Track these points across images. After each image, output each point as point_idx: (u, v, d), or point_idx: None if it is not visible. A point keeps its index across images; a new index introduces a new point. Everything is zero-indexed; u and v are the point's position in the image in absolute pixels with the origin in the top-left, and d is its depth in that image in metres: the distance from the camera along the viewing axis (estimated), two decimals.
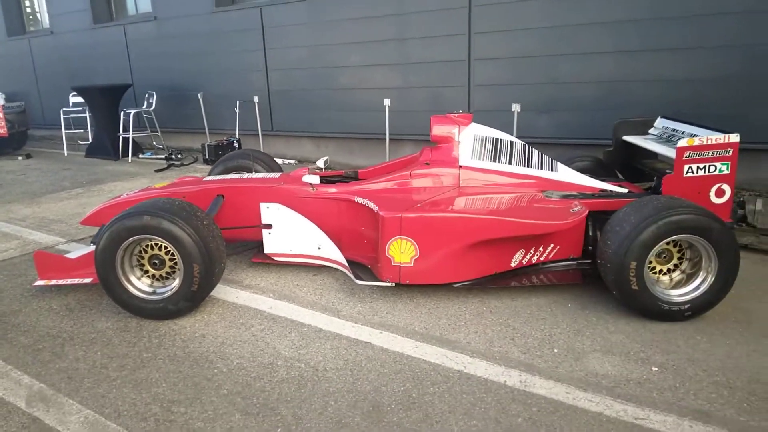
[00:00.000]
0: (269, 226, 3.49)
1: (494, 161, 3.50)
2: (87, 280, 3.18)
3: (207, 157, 7.47)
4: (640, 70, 5.14)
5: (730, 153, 3.05)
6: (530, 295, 3.19)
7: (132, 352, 2.65)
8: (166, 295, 2.89)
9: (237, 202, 3.58)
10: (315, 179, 3.50)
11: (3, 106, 9.17)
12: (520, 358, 2.53)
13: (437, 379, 2.38)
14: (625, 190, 3.48)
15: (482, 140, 3.52)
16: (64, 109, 9.22)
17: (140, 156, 8.50)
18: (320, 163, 3.92)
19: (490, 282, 3.17)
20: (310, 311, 3.05)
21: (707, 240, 2.70)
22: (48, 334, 2.84)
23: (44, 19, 11.24)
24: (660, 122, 3.93)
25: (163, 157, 8.15)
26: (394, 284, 3.13)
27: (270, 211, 3.46)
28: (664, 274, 2.93)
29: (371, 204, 3.21)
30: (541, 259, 3.22)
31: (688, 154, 3.07)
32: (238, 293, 3.31)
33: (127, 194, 3.77)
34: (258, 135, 7.63)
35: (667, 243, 2.81)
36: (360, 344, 2.68)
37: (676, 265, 2.92)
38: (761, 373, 2.37)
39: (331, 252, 3.39)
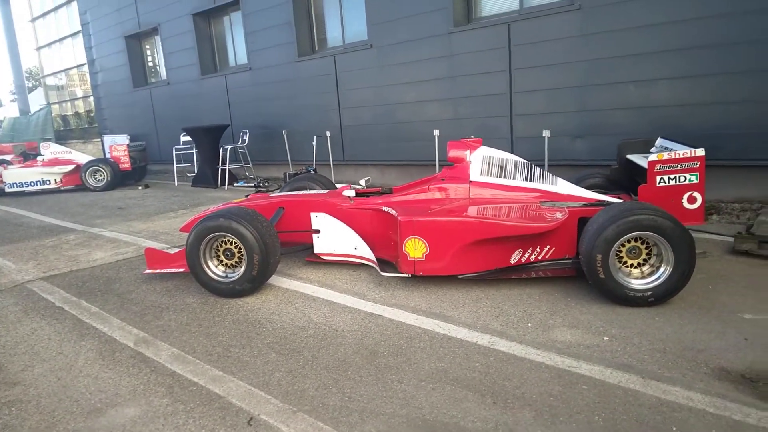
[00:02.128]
0: (317, 231, 4.37)
1: (500, 177, 4.17)
2: (181, 270, 4.22)
3: (287, 182, 8.61)
4: (663, 97, 5.59)
5: (698, 165, 3.54)
6: (525, 287, 3.79)
7: (208, 316, 3.59)
8: (235, 278, 3.83)
9: (294, 212, 4.50)
10: (352, 193, 4.35)
11: (128, 145, 11.01)
12: (497, 328, 3.17)
13: (425, 338, 3.09)
14: (619, 201, 4.00)
15: (489, 160, 4.20)
16: (176, 146, 10.90)
17: (235, 185, 9.86)
18: (362, 182, 4.77)
19: (491, 275, 3.81)
20: (342, 295, 3.86)
21: (662, 237, 3.21)
22: (151, 305, 3.87)
23: (162, 72, 13.26)
24: (659, 141, 4.41)
25: (252, 185, 9.44)
26: (410, 276, 3.87)
27: (318, 219, 4.35)
28: (636, 267, 3.43)
29: (393, 212, 4.00)
30: (539, 258, 3.82)
31: (658, 167, 3.59)
32: (291, 282, 4.19)
33: (213, 208, 4.82)
34: (330, 165, 8.67)
35: (636, 241, 3.35)
36: (374, 316, 3.45)
37: (645, 260, 3.42)
38: (697, 343, 2.84)
39: (364, 251, 4.20)
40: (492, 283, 3.87)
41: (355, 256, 4.30)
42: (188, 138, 10.73)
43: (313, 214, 4.36)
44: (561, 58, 6.26)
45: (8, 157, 13.12)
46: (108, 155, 11.31)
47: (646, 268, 3.42)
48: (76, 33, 16.53)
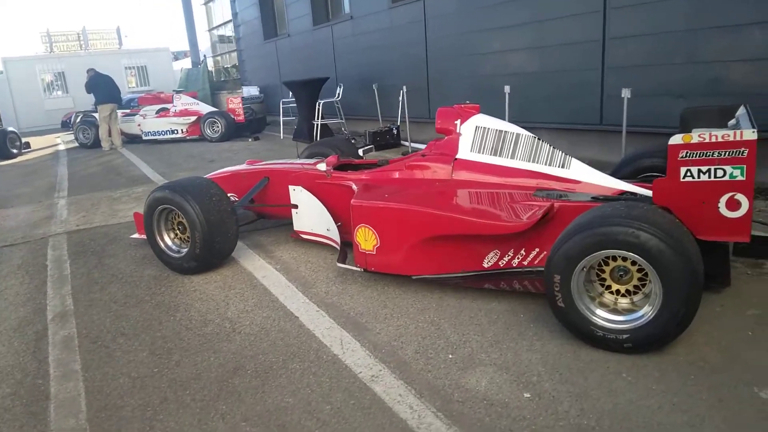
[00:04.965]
0: (296, 206, 3.93)
1: (495, 155, 3.28)
2: None
3: (367, 142, 8.16)
4: None
5: (746, 154, 2.33)
6: (494, 299, 2.98)
7: (141, 294, 3.43)
8: (183, 254, 3.60)
9: (277, 184, 4.10)
10: (323, 167, 3.79)
11: (243, 98, 11.43)
12: (405, 356, 2.49)
13: (309, 357, 2.54)
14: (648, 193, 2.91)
15: (483, 132, 3.32)
16: (283, 99, 11.03)
17: None
18: (360, 152, 4.18)
19: (458, 280, 3.06)
20: (288, 284, 3.41)
21: (646, 260, 2.21)
22: (113, 275, 3.82)
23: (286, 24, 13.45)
24: (742, 111, 3.09)
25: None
26: (362, 270, 3.27)
27: (295, 193, 3.89)
28: (624, 296, 2.45)
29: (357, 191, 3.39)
30: (524, 263, 2.94)
31: (684, 154, 2.46)
32: (257, 261, 3.85)
33: (230, 168, 4.62)
34: (406, 121, 7.98)
35: (625, 259, 2.37)
36: (290, 317, 2.96)
37: (638, 288, 2.42)
38: (649, 426, 1.91)
39: (334, 234, 3.67)
40: (459, 290, 3.12)
41: (327, 237, 3.79)
42: None
43: (291, 187, 3.92)
44: None
45: (168, 106, 14.55)
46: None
47: (638, 298, 2.42)
48: None
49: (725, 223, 2.42)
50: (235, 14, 15.78)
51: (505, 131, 3.31)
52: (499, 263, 2.96)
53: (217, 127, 11.16)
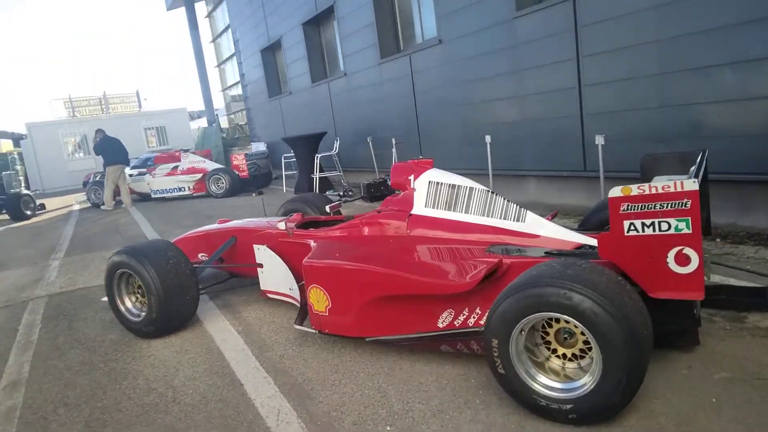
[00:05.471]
0: (261, 266, 3.87)
1: (449, 210, 3.21)
2: None
3: (362, 194, 8.17)
4: None
5: (689, 205, 2.21)
6: (449, 362, 2.83)
7: (96, 360, 3.36)
8: (141, 318, 3.54)
9: (244, 243, 4.06)
10: (282, 225, 3.75)
11: (247, 154, 11.63)
12: (339, 430, 2.36)
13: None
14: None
15: (437, 187, 3.26)
16: (284, 155, 11.20)
17: (326, 193, 9.75)
18: (327, 209, 4.15)
19: (413, 342, 2.92)
20: (244, 348, 3.31)
21: (582, 324, 2.07)
22: (77, 340, 3.78)
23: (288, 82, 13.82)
24: (700, 157, 2.98)
25: (339, 193, 9.21)
26: (317, 332, 3.17)
27: (260, 252, 3.85)
28: (571, 360, 2.30)
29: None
30: (480, 322, 2.81)
31: (625, 207, 2.35)
32: (221, 323, 3.76)
33: (194, 231, 4.62)
34: None
35: (567, 322, 2.24)
36: (235, 385, 2.85)
37: (584, 351, 2.27)
38: None
39: (296, 293, 3.59)
40: (416, 352, 2.98)
41: (290, 296, 3.71)
42: None
43: (255, 247, 3.87)
44: (639, 37, 4.77)
45: (177, 164, 14.88)
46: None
47: (586, 362, 2.27)
48: None
49: (676, 279, 2.27)
50: (242, 75, 16.31)
51: (459, 185, 3.24)
52: (454, 323, 2.83)
53: (222, 183, 11.33)
